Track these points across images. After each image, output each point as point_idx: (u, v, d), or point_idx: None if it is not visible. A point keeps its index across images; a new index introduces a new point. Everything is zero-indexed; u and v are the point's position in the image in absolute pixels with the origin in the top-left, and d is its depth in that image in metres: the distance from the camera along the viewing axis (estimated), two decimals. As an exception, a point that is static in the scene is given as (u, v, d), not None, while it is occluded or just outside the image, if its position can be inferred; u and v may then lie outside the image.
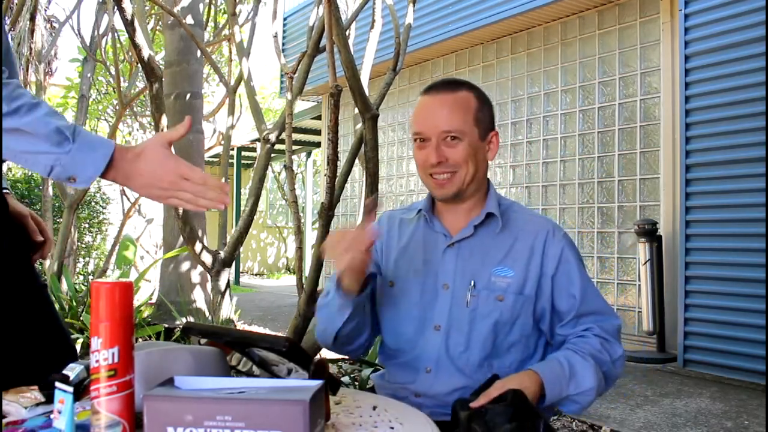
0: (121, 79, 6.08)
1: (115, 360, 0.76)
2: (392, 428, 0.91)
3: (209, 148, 7.57)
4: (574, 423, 3.06)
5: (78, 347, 3.85)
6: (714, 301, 3.85)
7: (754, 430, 2.94)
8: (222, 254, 3.33)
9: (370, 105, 2.51)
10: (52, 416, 0.86)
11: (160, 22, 6.46)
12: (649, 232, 4.28)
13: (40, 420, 0.91)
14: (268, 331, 5.28)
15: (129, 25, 2.43)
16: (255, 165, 3.40)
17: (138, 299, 5.20)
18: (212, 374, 0.93)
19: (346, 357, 3.97)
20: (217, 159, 9.02)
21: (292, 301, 7.77)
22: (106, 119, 9.60)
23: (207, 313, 5.03)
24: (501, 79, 5.83)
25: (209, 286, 3.90)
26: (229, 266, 3.37)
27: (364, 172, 2.60)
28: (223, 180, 3.87)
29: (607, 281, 4.95)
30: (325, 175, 2.54)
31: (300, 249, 2.66)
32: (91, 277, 7.75)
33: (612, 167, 4.93)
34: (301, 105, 9.00)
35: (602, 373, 1.22)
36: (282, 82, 8.58)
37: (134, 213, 8.27)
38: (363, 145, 2.59)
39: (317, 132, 9.99)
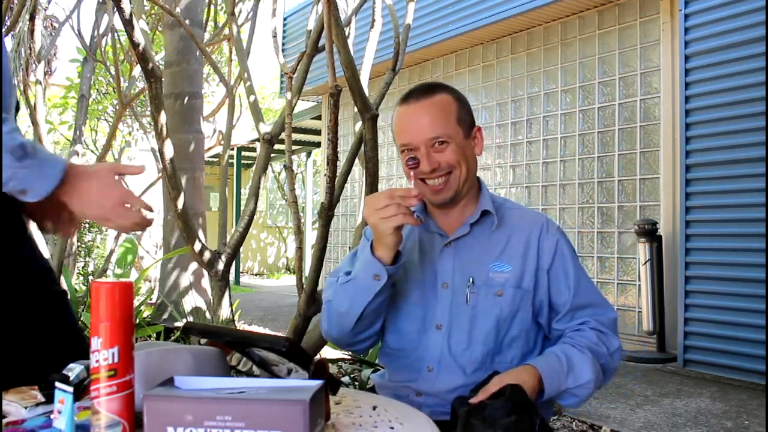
0: (121, 79, 6.07)
1: (115, 360, 0.76)
2: (392, 428, 0.91)
3: (209, 148, 7.56)
4: (574, 423, 3.06)
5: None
6: (714, 301, 3.85)
7: (754, 430, 2.94)
8: (222, 254, 3.33)
9: (369, 105, 2.51)
10: (52, 416, 0.86)
11: (160, 22, 6.46)
12: (649, 232, 4.28)
13: (40, 420, 0.91)
14: (268, 331, 5.28)
15: (127, 24, 2.43)
16: (255, 165, 3.40)
17: (138, 299, 5.20)
18: (212, 374, 0.93)
19: (347, 357, 3.98)
20: (217, 159, 9.02)
21: (292, 301, 7.77)
22: (106, 119, 9.59)
23: (207, 313, 5.03)
24: (501, 79, 5.83)
25: (209, 286, 3.90)
26: (229, 266, 3.37)
27: (364, 172, 2.60)
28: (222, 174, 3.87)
29: (607, 281, 4.95)
30: (325, 175, 2.54)
31: (300, 249, 2.66)
32: (91, 277, 7.74)
33: (612, 167, 4.93)
34: (301, 105, 9.00)
35: (600, 365, 1.23)
36: (282, 82, 8.58)
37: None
38: (363, 145, 2.59)
39: (317, 132, 9.99)
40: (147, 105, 8.34)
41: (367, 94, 2.61)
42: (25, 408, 0.94)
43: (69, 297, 1.41)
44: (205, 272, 4.78)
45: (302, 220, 4.65)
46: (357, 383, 3.34)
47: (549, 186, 5.40)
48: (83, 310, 4.68)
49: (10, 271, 1.20)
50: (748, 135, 3.70)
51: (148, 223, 1.15)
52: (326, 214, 2.50)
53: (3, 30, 1.07)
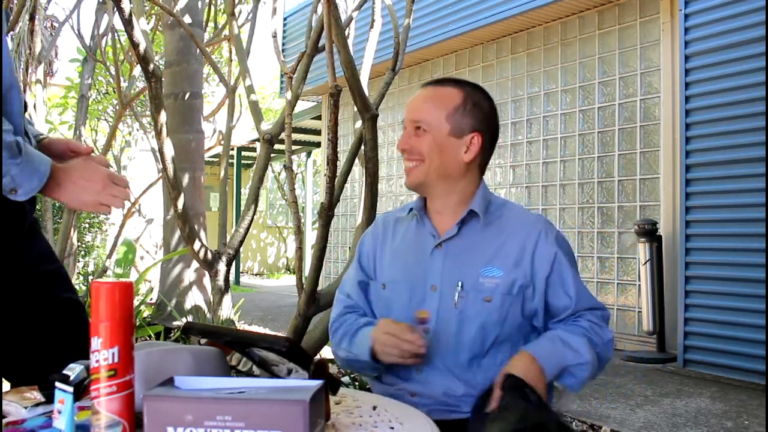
0: (121, 79, 6.07)
1: (115, 360, 0.76)
2: (392, 428, 0.91)
3: (209, 148, 7.57)
4: (574, 423, 3.06)
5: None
6: (714, 301, 3.85)
7: (754, 430, 2.94)
8: (222, 254, 3.33)
9: (369, 105, 2.51)
10: (52, 416, 0.86)
11: (160, 22, 6.46)
12: (649, 232, 4.28)
13: (40, 420, 0.91)
14: (268, 331, 5.28)
15: (127, 24, 2.43)
16: (255, 165, 3.40)
17: (138, 299, 5.20)
18: (212, 374, 0.93)
19: (343, 369, 3.98)
20: (217, 159, 9.02)
21: (292, 301, 7.77)
22: (106, 119, 9.59)
23: (207, 313, 5.03)
24: (501, 79, 5.83)
25: (209, 286, 3.90)
26: (230, 266, 3.37)
27: (364, 172, 2.60)
28: (222, 174, 3.87)
29: (607, 281, 4.95)
30: (324, 175, 2.54)
31: (300, 249, 2.66)
32: (91, 278, 7.74)
33: (612, 167, 4.93)
34: (301, 105, 9.00)
35: (596, 353, 1.23)
36: (282, 82, 8.58)
37: (134, 213, 8.27)
38: (363, 145, 2.59)
39: (317, 132, 9.99)
40: (147, 105, 8.34)
41: (367, 94, 2.61)
42: (25, 408, 0.94)
43: (84, 306, 1.40)
44: (205, 272, 4.78)
45: (302, 220, 4.65)
46: (357, 383, 3.34)
47: (549, 186, 5.40)
48: (83, 310, 4.67)
49: (10, 273, 1.20)
50: (748, 135, 3.70)
51: (128, 196, 1.24)
52: (326, 214, 2.50)
53: (4, 30, 1.06)
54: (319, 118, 8.89)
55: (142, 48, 2.54)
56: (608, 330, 1.29)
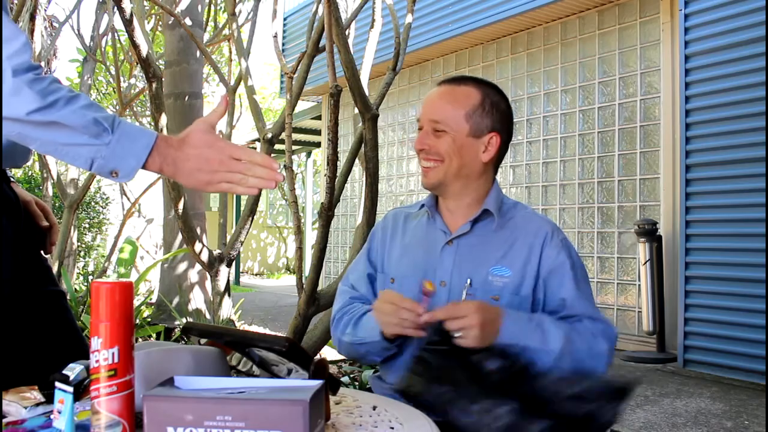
0: (121, 79, 6.08)
1: (115, 360, 0.76)
2: (392, 428, 0.91)
3: (209, 148, 7.55)
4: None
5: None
6: (714, 301, 3.85)
7: (754, 430, 2.94)
8: (222, 254, 3.33)
9: (369, 105, 2.51)
10: (52, 416, 0.86)
11: (160, 22, 6.46)
12: (649, 232, 4.28)
13: (40, 420, 0.91)
14: (268, 331, 5.28)
15: (128, 24, 2.43)
16: (255, 165, 3.39)
17: (138, 299, 5.20)
18: (212, 374, 0.93)
19: (347, 357, 3.98)
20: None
21: (292, 301, 7.77)
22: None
23: (207, 313, 5.03)
24: (501, 79, 5.83)
25: (209, 286, 3.90)
26: (230, 266, 3.37)
27: (364, 172, 2.60)
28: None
29: (607, 281, 4.95)
30: (325, 175, 2.54)
31: (300, 249, 2.66)
32: (91, 278, 7.75)
33: (612, 167, 4.93)
34: (301, 105, 9.00)
35: (571, 353, 1.20)
36: (282, 82, 8.58)
37: (134, 213, 8.27)
38: (363, 145, 2.59)
39: (317, 132, 9.99)
40: (147, 105, 8.35)
41: (367, 94, 2.61)
42: (25, 408, 0.94)
43: (68, 298, 1.41)
44: (205, 272, 4.78)
45: (302, 220, 4.65)
46: (357, 383, 3.34)
47: (549, 186, 5.40)
48: (83, 310, 4.67)
49: (3, 269, 1.19)
50: (748, 135, 3.70)
51: (277, 178, 0.97)
52: (326, 214, 2.51)
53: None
54: (319, 118, 8.89)
55: (142, 48, 2.54)
56: (603, 343, 1.24)
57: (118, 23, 5.40)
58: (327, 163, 2.31)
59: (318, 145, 11.02)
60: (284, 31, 8.35)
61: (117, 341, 0.76)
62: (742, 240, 3.74)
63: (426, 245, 1.35)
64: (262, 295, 9.03)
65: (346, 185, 3.00)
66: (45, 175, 6.35)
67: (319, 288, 2.66)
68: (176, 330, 4.65)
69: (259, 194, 3.31)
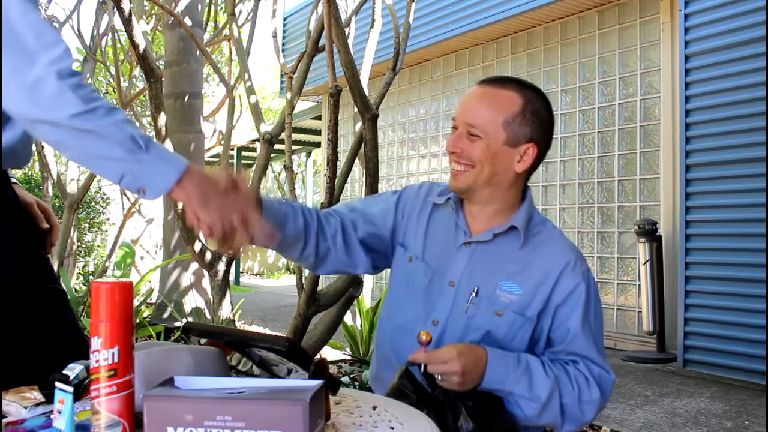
0: (121, 79, 6.08)
1: (115, 360, 0.76)
2: (392, 428, 0.91)
3: (209, 148, 7.57)
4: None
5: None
6: (714, 301, 3.85)
7: (754, 430, 2.94)
8: (222, 255, 3.33)
9: (369, 105, 2.51)
10: (52, 416, 0.86)
11: (160, 23, 6.46)
12: (649, 232, 4.28)
13: (40, 420, 0.91)
14: (268, 331, 5.28)
15: (127, 24, 2.43)
16: (255, 165, 3.40)
17: (138, 299, 5.20)
18: (212, 374, 0.93)
19: (347, 357, 3.98)
20: (217, 159, 9.02)
21: (292, 301, 7.77)
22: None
23: (207, 313, 5.03)
24: (501, 79, 5.83)
25: (209, 286, 3.90)
26: (230, 267, 3.37)
27: (364, 172, 2.60)
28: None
29: (607, 281, 4.95)
30: (325, 175, 2.54)
31: (300, 249, 2.65)
32: (91, 278, 7.75)
33: (612, 167, 4.93)
34: (301, 105, 9.00)
35: (560, 403, 1.17)
36: (282, 82, 8.58)
37: (134, 213, 8.27)
38: (363, 145, 2.59)
39: (317, 132, 9.99)
40: (147, 105, 8.34)
41: (367, 94, 2.61)
42: (25, 408, 0.94)
43: (68, 297, 1.41)
44: (205, 272, 4.78)
45: (302, 220, 4.63)
46: (357, 383, 3.34)
47: (549, 186, 5.40)
48: (83, 311, 4.68)
49: (4, 267, 1.19)
50: (748, 135, 3.70)
51: (243, 248, 1.05)
52: (326, 214, 2.50)
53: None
54: (319, 118, 8.89)
55: (142, 48, 2.54)
56: (596, 391, 1.19)
57: (118, 23, 5.39)
58: (327, 163, 2.31)
59: (318, 145, 11.02)
60: (284, 31, 8.35)
61: (117, 341, 0.76)
62: (742, 240, 3.74)
63: (446, 238, 1.30)
64: (262, 295, 9.03)
65: (346, 185, 3.00)
66: (45, 175, 6.36)
67: (319, 288, 2.66)
68: (176, 330, 4.65)
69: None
